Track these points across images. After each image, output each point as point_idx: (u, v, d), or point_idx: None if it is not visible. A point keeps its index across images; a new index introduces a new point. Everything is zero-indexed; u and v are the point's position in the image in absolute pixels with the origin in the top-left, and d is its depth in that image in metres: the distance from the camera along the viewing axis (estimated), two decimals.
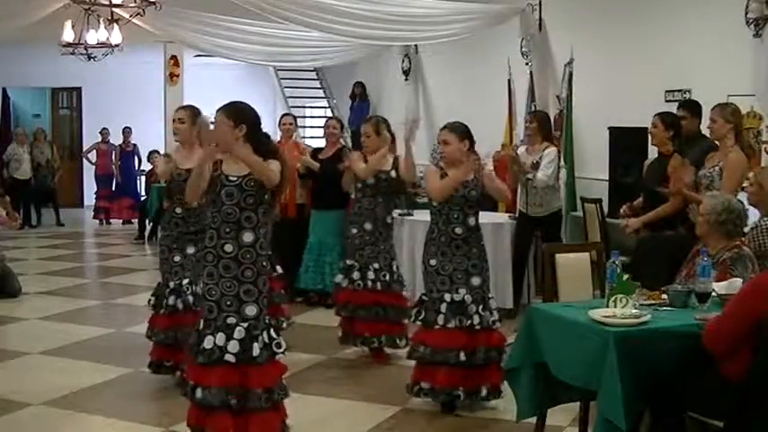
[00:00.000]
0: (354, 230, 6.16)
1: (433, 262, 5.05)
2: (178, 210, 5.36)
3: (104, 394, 5.45)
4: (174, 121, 5.48)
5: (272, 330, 4.23)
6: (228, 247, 4.10)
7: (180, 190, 5.32)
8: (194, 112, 5.46)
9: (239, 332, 4.07)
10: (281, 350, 4.22)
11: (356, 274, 6.10)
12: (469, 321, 4.98)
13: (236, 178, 4.13)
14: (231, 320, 4.08)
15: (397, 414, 5.08)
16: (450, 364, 4.94)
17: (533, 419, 4.23)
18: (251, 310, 4.11)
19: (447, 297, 4.98)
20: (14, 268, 8.77)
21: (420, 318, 5.10)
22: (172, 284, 5.35)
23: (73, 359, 6.24)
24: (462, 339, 4.96)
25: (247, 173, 4.13)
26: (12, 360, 6.23)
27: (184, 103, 10.06)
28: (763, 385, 3.23)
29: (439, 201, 5.04)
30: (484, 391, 5.02)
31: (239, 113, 4.20)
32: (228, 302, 4.08)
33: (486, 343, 5.01)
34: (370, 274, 6.08)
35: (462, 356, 4.94)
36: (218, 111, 4.23)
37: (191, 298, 5.30)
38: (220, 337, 4.06)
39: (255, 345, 4.10)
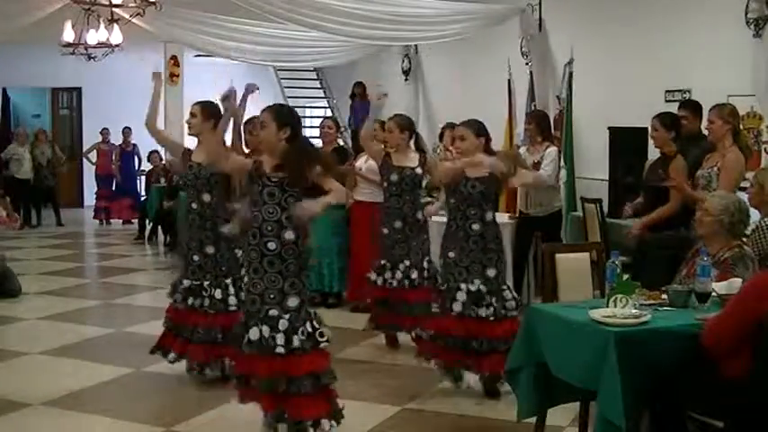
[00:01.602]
0: (385, 231, 6.17)
1: (451, 254, 5.16)
2: (194, 205, 5.39)
3: (104, 394, 5.45)
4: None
5: (314, 321, 4.28)
6: (272, 245, 4.19)
7: (192, 184, 5.34)
8: (206, 107, 5.47)
9: (283, 324, 4.16)
10: (324, 338, 4.28)
11: (388, 274, 6.13)
12: (484, 313, 5.09)
13: (276, 178, 4.21)
14: (273, 312, 4.16)
15: (397, 414, 5.08)
16: (461, 349, 5.08)
17: (533, 419, 4.23)
18: (293, 302, 4.20)
19: (463, 287, 5.09)
20: (14, 268, 8.77)
21: (437, 306, 5.24)
22: (186, 283, 5.39)
23: (73, 359, 6.24)
24: (475, 328, 5.07)
25: (287, 173, 4.21)
26: (12, 360, 6.22)
27: (184, 103, 10.05)
28: (763, 385, 3.23)
29: (445, 183, 5.18)
30: (486, 375, 5.15)
31: (285, 115, 4.31)
32: (272, 295, 4.18)
33: (498, 333, 5.09)
34: (399, 273, 6.10)
35: (474, 344, 5.08)
36: (263, 111, 4.32)
37: (207, 300, 5.34)
38: (266, 329, 4.15)
39: (295, 337, 4.17)
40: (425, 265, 6.19)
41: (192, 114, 5.42)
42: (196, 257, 5.36)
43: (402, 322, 6.19)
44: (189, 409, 5.05)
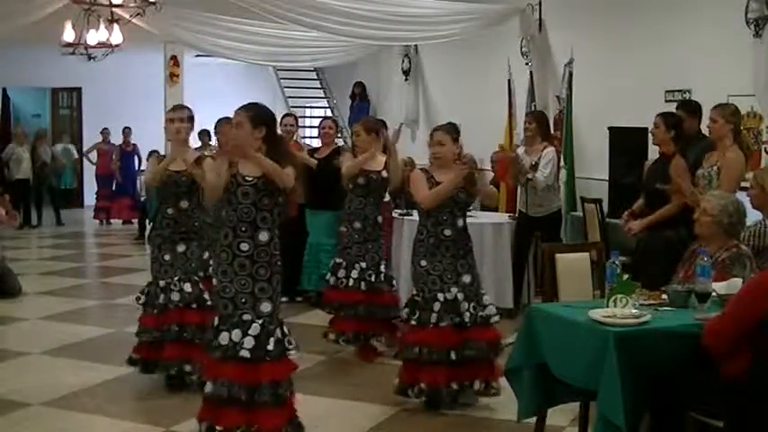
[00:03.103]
0: (344, 229, 6.22)
1: (423, 263, 5.09)
2: (169, 210, 5.42)
3: (104, 394, 5.45)
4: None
5: (284, 327, 4.29)
6: (244, 246, 4.17)
7: (171, 192, 5.36)
8: (190, 111, 5.54)
9: (255, 329, 4.15)
10: (293, 347, 4.29)
11: (342, 272, 6.13)
12: (460, 319, 5.03)
13: (251, 178, 4.20)
14: (247, 317, 4.15)
15: (396, 414, 5.08)
16: (442, 363, 5.00)
17: (533, 419, 4.23)
18: (265, 307, 4.19)
19: (440, 296, 5.03)
20: (14, 268, 8.77)
21: (414, 318, 5.10)
22: (162, 283, 5.39)
23: (73, 359, 6.24)
24: (454, 337, 5.01)
25: (263, 173, 4.20)
26: (12, 360, 6.23)
27: (184, 103, 10.04)
28: (763, 385, 3.23)
29: (428, 208, 5.08)
30: (477, 386, 5.07)
31: (259, 115, 4.28)
32: (243, 300, 4.16)
33: (477, 339, 5.06)
34: (355, 273, 6.11)
35: (453, 355, 4.99)
36: (237, 111, 4.30)
37: (176, 295, 5.33)
38: (236, 334, 4.14)
39: (271, 339, 4.17)
40: (381, 268, 6.21)
41: (181, 120, 5.44)
42: (167, 257, 5.38)
43: (361, 327, 6.15)
44: (188, 408, 5.03)
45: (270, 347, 4.16)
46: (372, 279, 6.12)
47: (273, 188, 4.21)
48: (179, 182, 5.37)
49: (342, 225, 6.26)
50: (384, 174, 6.22)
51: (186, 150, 5.39)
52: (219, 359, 4.16)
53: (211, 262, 6.12)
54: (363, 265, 6.12)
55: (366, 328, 6.16)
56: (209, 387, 4.20)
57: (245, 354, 4.11)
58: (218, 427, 4.14)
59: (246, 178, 4.20)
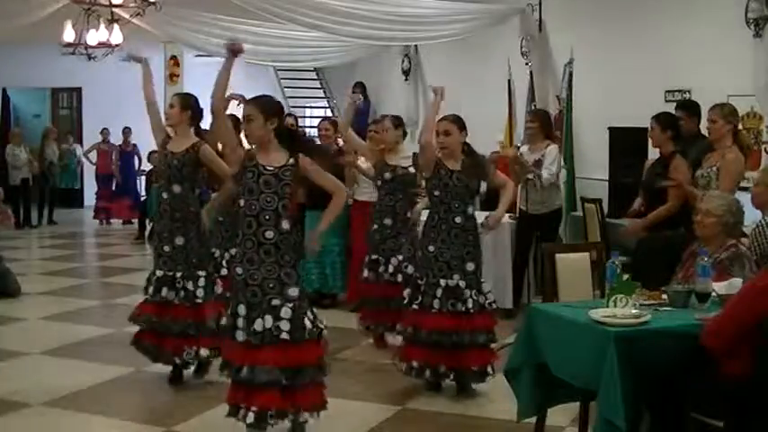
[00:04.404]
0: (375, 226, 6.24)
1: (431, 248, 5.18)
2: (164, 195, 5.42)
3: (104, 394, 5.45)
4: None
5: (313, 309, 4.37)
6: (269, 234, 4.24)
7: (165, 174, 5.38)
8: (183, 98, 5.57)
9: (286, 312, 4.21)
10: (324, 326, 4.38)
11: (381, 268, 6.18)
12: (464, 306, 5.13)
13: (272, 168, 4.28)
14: (276, 302, 4.21)
15: (397, 414, 5.09)
16: (443, 346, 5.11)
17: (533, 419, 4.23)
18: (293, 292, 4.26)
19: (442, 282, 5.13)
20: (14, 268, 8.76)
21: (416, 302, 5.19)
22: (159, 273, 5.38)
23: (73, 359, 6.24)
24: (454, 323, 5.12)
25: (283, 164, 4.30)
26: (12, 360, 6.22)
27: None
28: (763, 385, 3.23)
29: (428, 176, 5.22)
30: (473, 370, 5.18)
31: (271, 107, 4.38)
32: (271, 285, 4.22)
33: (478, 325, 5.17)
34: (391, 268, 6.16)
35: (455, 337, 5.11)
36: (248, 103, 4.42)
37: (183, 293, 5.34)
38: (268, 320, 4.19)
39: (306, 320, 4.26)
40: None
41: (171, 105, 5.50)
42: (166, 248, 5.37)
43: (391, 318, 6.14)
44: (188, 408, 5.05)
45: (308, 327, 4.25)
46: (409, 271, 6.10)
47: (293, 177, 4.30)
48: (171, 164, 5.35)
49: (373, 223, 6.27)
50: (412, 169, 6.20)
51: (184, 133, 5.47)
52: (255, 345, 4.19)
53: (226, 256, 6.22)
54: (400, 257, 6.17)
55: (395, 318, 6.11)
56: (245, 372, 4.19)
57: (285, 336, 4.18)
58: (253, 409, 4.18)
59: (267, 168, 4.26)
